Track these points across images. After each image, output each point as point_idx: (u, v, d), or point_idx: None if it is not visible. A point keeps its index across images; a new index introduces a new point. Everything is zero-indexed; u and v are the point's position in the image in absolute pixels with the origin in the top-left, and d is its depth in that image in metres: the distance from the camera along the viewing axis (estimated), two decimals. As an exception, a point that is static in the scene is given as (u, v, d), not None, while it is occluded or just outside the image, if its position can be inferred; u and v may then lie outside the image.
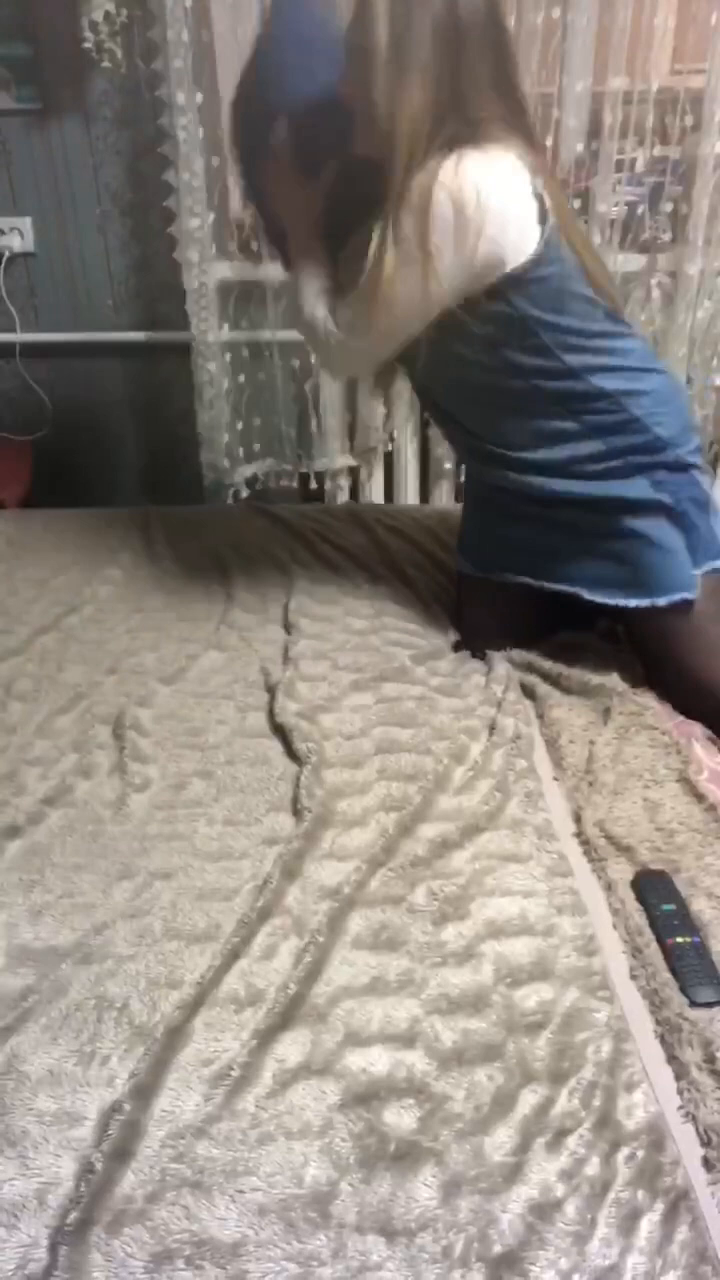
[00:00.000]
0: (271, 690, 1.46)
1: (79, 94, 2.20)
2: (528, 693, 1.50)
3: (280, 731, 1.37)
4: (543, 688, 1.49)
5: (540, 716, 1.42)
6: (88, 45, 2.03)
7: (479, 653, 1.60)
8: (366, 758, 1.32)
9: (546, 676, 1.52)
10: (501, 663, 1.55)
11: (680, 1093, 0.87)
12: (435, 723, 1.38)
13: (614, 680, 1.46)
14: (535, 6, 1.94)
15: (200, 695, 1.48)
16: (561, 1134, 0.84)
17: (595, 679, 1.46)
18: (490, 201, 1.24)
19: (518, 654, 1.58)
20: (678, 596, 1.42)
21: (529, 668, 1.55)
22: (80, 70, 2.15)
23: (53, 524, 2.06)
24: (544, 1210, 0.78)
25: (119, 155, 2.26)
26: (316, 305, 1.41)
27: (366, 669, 1.52)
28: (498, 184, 1.25)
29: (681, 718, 1.40)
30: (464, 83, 1.24)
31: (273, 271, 2.20)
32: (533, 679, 1.52)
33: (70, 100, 2.20)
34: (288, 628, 1.64)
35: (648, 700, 1.41)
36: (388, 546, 1.91)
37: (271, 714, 1.42)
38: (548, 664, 1.53)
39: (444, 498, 2.46)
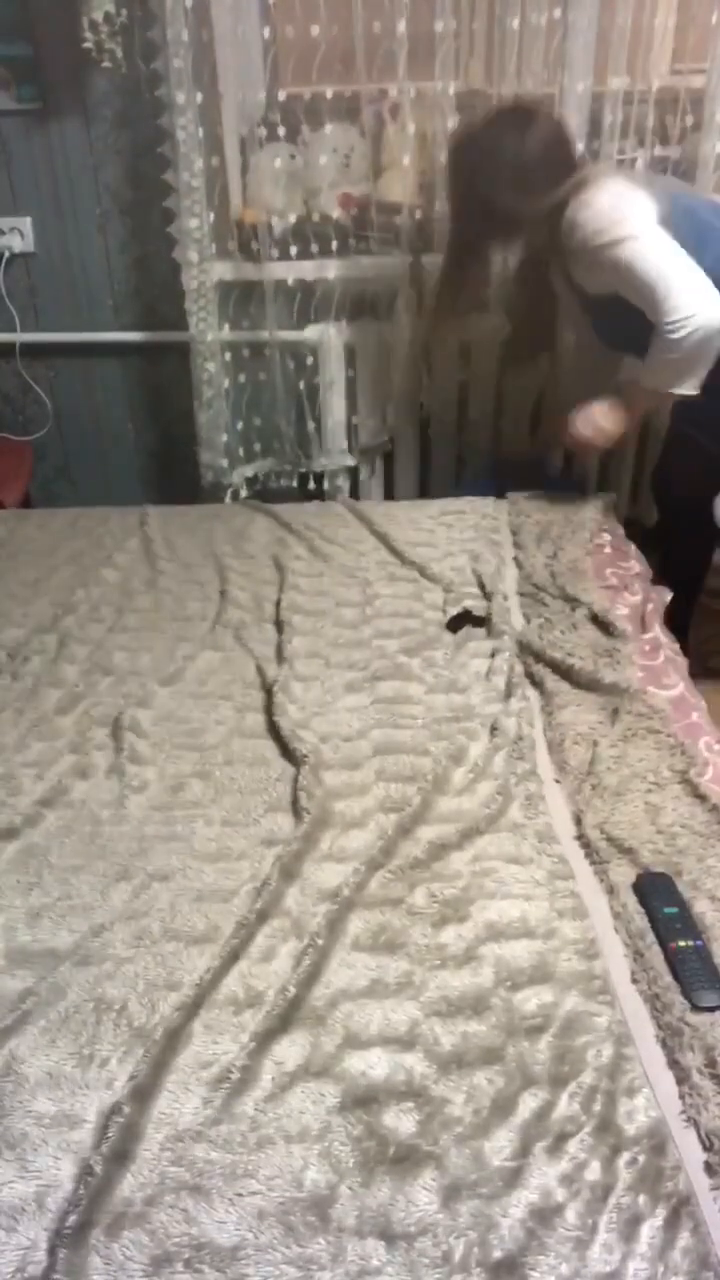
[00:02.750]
0: (268, 690, 1.46)
1: (79, 94, 2.19)
2: (535, 683, 1.48)
3: (278, 732, 1.37)
4: (551, 681, 1.47)
5: (547, 714, 1.40)
6: (88, 45, 2.03)
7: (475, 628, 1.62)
8: (365, 759, 1.32)
9: (557, 668, 1.49)
10: (506, 650, 1.54)
11: (682, 1097, 0.87)
12: (434, 723, 1.38)
13: (628, 678, 1.44)
14: (536, 6, 1.93)
15: (197, 696, 1.48)
16: (562, 1138, 0.83)
17: (609, 676, 1.44)
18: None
19: (527, 639, 1.56)
20: None
21: (538, 657, 1.52)
22: (80, 70, 2.15)
23: (48, 523, 2.05)
24: (544, 1215, 0.78)
25: (119, 155, 2.25)
26: (653, 353, 1.68)
27: (360, 666, 1.52)
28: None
29: (689, 718, 1.39)
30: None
31: (274, 271, 2.20)
32: (542, 670, 1.49)
33: (70, 100, 2.20)
34: (279, 626, 1.64)
35: (658, 701, 1.40)
36: (383, 542, 1.90)
37: (269, 714, 1.41)
38: (559, 654, 1.50)
39: (444, 495, 2.45)
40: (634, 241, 1.60)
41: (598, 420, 1.83)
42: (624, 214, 1.62)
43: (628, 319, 1.68)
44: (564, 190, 1.66)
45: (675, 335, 1.59)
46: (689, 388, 1.68)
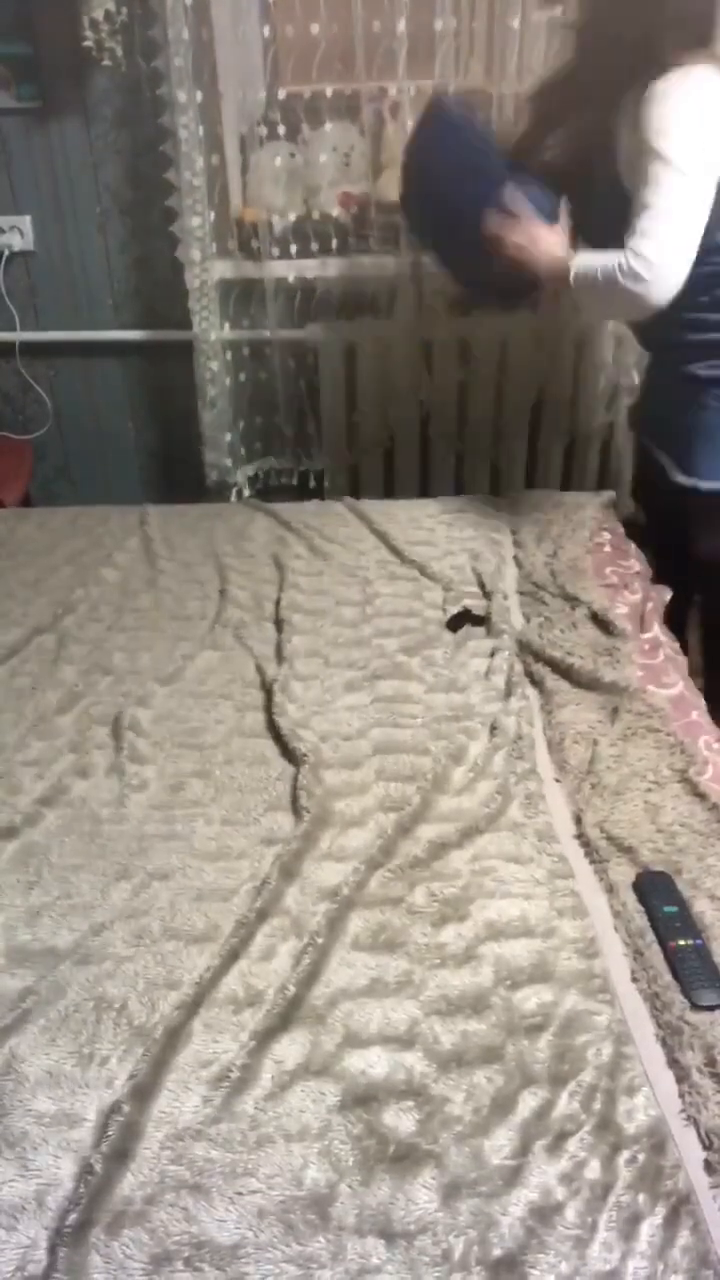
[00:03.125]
0: (268, 689, 1.46)
1: (79, 93, 2.19)
2: (534, 682, 1.48)
3: (277, 731, 1.37)
4: (551, 680, 1.47)
5: (547, 713, 1.41)
6: (88, 44, 2.03)
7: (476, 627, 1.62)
8: (364, 758, 1.32)
9: (556, 667, 1.49)
10: (506, 649, 1.54)
11: (681, 1096, 0.87)
12: (433, 722, 1.38)
13: (627, 677, 1.44)
14: (537, 5, 1.93)
15: (197, 695, 1.48)
16: (562, 1137, 0.83)
17: (609, 675, 1.44)
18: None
19: (527, 638, 1.56)
20: None
21: (538, 656, 1.52)
22: (80, 69, 2.15)
23: (48, 522, 2.05)
24: (544, 1214, 0.78)
25: (119, 154, 2.25)
26: (603, 260, 1.51)
27: (360, 665, 1.52)
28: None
29: (689, 717, 1.39)
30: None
31: (274, 270, 2.20)
32: (541, 669, 1.49)
33: (71, 99, 2.20)
34: (279, 625, 1.64)
35: (657, 700, 1.40)
36: (383, 541, 1.90)
37: (268, 713, 1.41)
38: (558, 653, 1.50)
39: (444, 494, 2.45)
40: (677, 174, 1.45)
41: (536, 234, 1.60)
42: (693, 140, 1.47)
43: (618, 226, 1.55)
44: (684, 59, 1.47)
45: (623, 269, 1.47)
46: (585, 312, 1.67)
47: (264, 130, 2.12)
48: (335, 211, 2.18)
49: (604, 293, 1.53)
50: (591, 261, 1.54)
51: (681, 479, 1.70)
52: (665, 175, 1.46)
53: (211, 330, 2.25)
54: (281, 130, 2.11)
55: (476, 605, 1.66)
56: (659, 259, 1.46)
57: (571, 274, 1.55)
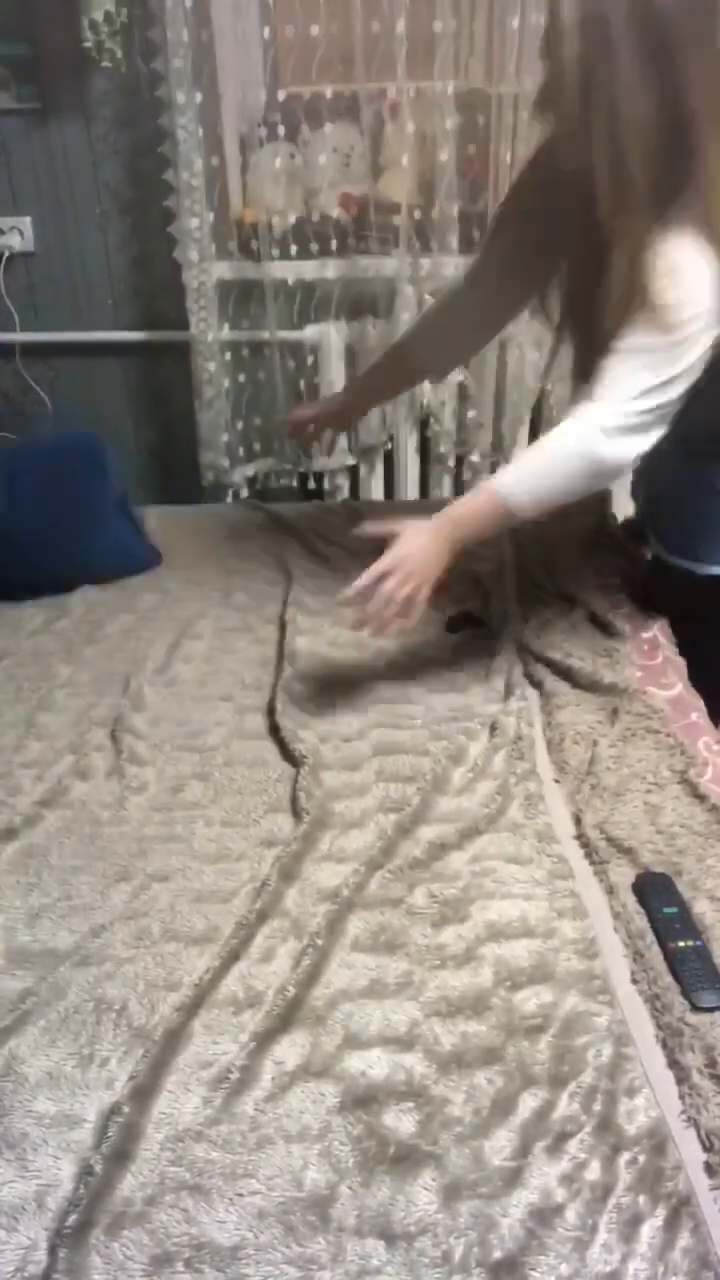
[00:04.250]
0: (269, 691, 1.46)
1: (79, 93, 2.19)
2: (534, 683, 1.48)
3: (277, 733, 1.37)
4: (550, 681, 1.47)
5: (546, 714, 1.41)
6: (88, 45, 2.03)
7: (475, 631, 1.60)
8: (364, 759, 1.32)
9: (556, 668, 1.49)
10: (505, 651, 1.53)
11: (682, 1098, 0.87)
12: (433, 723, 1.38)
13: (627, 678, 1.44)
14: (537, 6, 1.92)
15: (198, 697, 1.48)
16: (562, 1138, 0.83)
17: (608, 676, 1.44)
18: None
19: (525, 639, 1.55)
20: None
21: (538, 657, 1.52)
22: (80, 70, 2.15)
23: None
24: (544, 1215, 0.78)
25: (119, 155, 2.25)
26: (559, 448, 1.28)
27: (361, 666, 1.52)
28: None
29: (688, 718, 1.39)
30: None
31: (274, 270, 2.20)
32: (541, 670, 1.50)
33: (70, 100, 2.20)
34: (283, 626, 1.64)
35: (656, 701, 1.40)
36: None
37: (268, 715, 1.41)
38: (558, 654, 1.50)
39: (444, 494, 2.45)
40: (682, 346, 1.20)
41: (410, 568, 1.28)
42: (695, 328, 1.20)
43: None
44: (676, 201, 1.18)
45: (588, 426, 1.23)
46: (529, 507, 1.30)
47: (264, 131, 2.11)
48: (335, 212, 2.18)
49: (571, 469, 1.28)
50: (539, 465, 1.30)
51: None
52: (672, 347, 1.21)
53: (210, 331, 2.25)
54: (281, 131, 2.11)
55: (475, 606, 1.66)
56: (625, 411, 1.23)
57: (513, 505, 1.29)
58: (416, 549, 1.29)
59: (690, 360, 1.21)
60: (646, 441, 1.25)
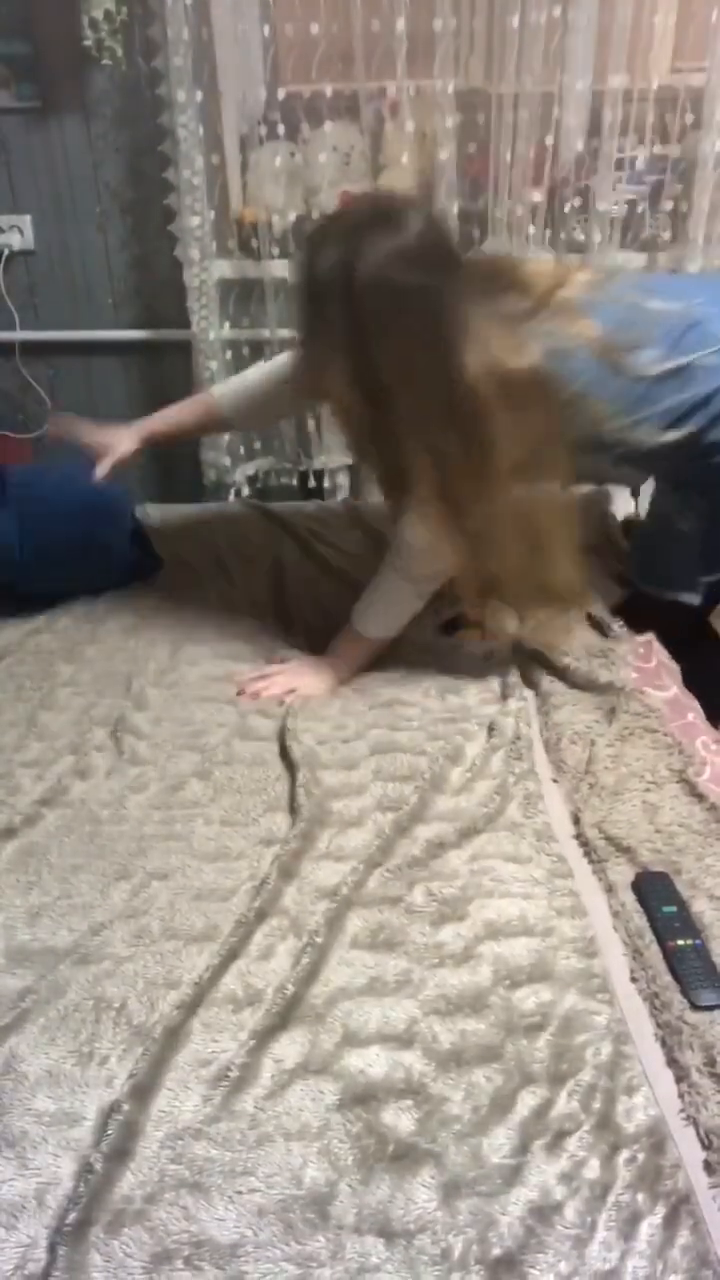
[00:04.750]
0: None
1: (79, 92, 2.19)
2: (530, 683, 1.49)
3: (276, 733, 1.37)
4: (547, 681, 1.47)
5: (544, 715, 1.41)
6: (88, 43, 2.03)
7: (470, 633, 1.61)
8: (362, 759, 1.32)
9: (552, 668, 1.49)
10: (502, 652, 1.53)
11: (681, 1096, 0.87)
12: (431, 723, 1.38)
13: (623, 678, 1.44)
14: (537, 5, 1.93)
15: (198, 697, 1.48)
16: (561, 1136, 0.83)
17: (604, 676, 1.45)
18: None
19: (522, 640, 1.56)
20: None
21: (534, 657, 1.52)
22: (80, 68, 2.15)
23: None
24: (543, 1213, 0.78)
25: (119, 153, 2.25)
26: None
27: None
28: None
29: (684, 718, 1.39)
30: None
31: (274, 269, 2.20)
32: (537, 670, 1.50)
33: (70, 98, 2.20)
34: (280, 626, 1.64)
35: (654, 701, 1.40)
36: (383, 543, 1.90)
37: (268, 716, 1.41)
38: (554, 655, 1.50)
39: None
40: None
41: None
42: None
43: None
44: None
45: (409, 527, 1.41)
46: (390, 631, 1.50)
47: (264, 130, 2.12)
48: (335, 211, 2.18)
49: (405, 588, 1.48)
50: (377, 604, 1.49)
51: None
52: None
53: (210, 329, 2.25)
54: (281, 130, 2.11)
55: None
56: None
57: (373, 636, 1.50)
58: (310, 683, 1.48)
59: None
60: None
